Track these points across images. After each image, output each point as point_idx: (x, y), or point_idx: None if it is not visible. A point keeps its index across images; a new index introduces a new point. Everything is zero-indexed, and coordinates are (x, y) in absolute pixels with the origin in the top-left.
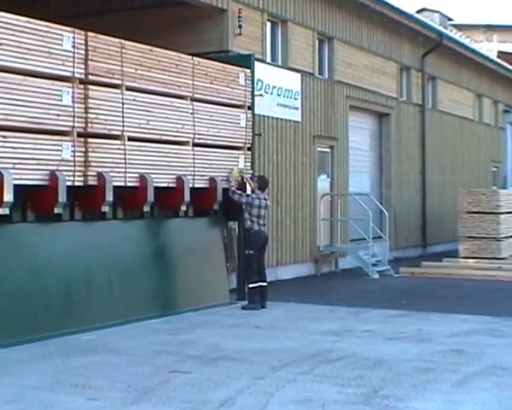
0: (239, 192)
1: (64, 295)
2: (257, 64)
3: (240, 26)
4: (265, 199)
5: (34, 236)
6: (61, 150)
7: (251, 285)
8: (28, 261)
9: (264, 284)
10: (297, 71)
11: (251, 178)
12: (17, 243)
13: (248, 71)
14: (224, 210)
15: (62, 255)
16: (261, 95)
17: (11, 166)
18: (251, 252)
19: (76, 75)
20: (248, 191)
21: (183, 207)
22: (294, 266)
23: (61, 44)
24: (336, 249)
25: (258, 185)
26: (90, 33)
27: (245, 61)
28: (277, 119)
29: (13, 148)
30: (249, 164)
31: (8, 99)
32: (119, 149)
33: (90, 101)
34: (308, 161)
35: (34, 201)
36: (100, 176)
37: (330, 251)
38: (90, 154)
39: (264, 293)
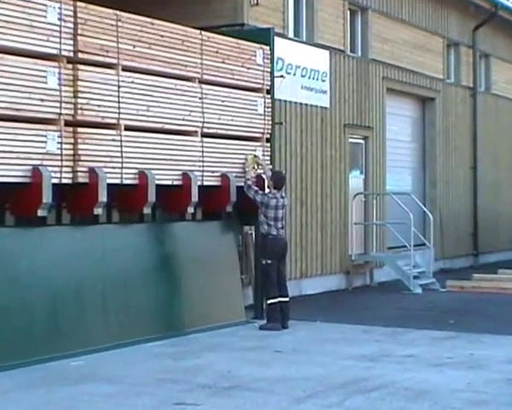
0: (255, 188)
1: (49, 314)
2: (277, 40)
3: None
4: (282, 197)
5: (13, 243)
6: (45, 142)
7: (270, 301)
8: (6, 273)
9: (286, 299)
10: (325, 48)
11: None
12: None
13: (267, 48)
14: (239, 212)
15: (47, 266)
16: (282, 76)
17: None
18: (269, 262)
19: (63, 53)
20: (266, 191)
21: (190, 209)
22: (322, 278)
23: (45, 16)
24: (371, 259)
25: (274, 183)
26: (79, 3)
27: (263, 37)
28: (301, 104)
29: None
30: (268, 158)
31: None
32: (114, 140)
33: (79, 83)
34: (338, 154)
35: (14, 201)
36: (91, 172)
37: (364, 261)
38: (80, 146)
39: (286, 310)
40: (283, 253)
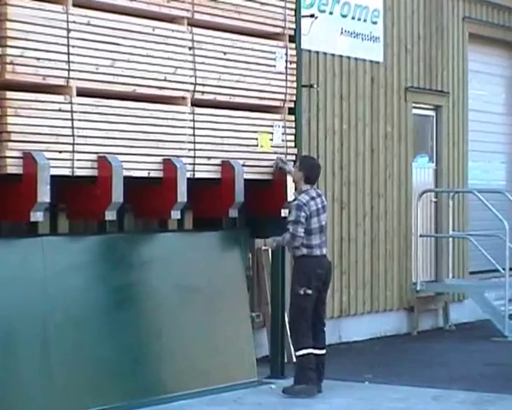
0: (300, 232)
1: None
2: None
3: None
4: (319, 195)
5: None
6: None
7: (302, 352)
8: None
9: (322, 352)
10: None
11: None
12: None
13: None
14: (249, 218)
15: None
16: (313, 15)
17: None
18: (308, 292)
19: None
20: (291, 191)
21: (175, 214)
22: (371, 318)
23: None
24: (446, 289)
25: (305, 175)
26: None
27: None
28: (342, 57)
29: None
30: (291, 138)
31: None
32: (61, 110)
33: (8, 25)
34: (396, 132)
35: None
36: (27, 158)
37: (435, 292)
38: (10, 119)
39: (321, 367)
40: (326, 279)
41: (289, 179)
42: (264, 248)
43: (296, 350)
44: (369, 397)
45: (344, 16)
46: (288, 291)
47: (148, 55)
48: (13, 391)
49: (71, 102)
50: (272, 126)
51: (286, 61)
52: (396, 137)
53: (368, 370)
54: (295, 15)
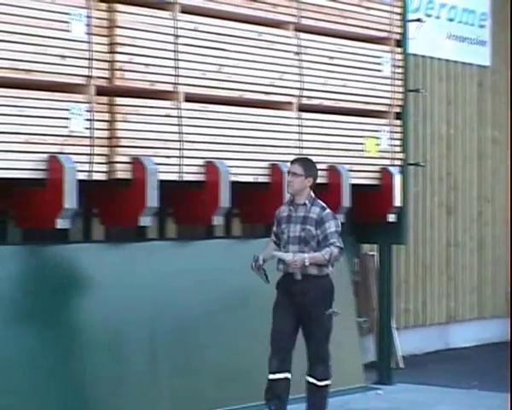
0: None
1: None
2: None
3: None
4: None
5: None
6: (67, 118)
7: (328, 382)
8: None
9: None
10: None
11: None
12: None
13: None
14: (354, 223)
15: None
16: (419, 19)
17: None
18: (338, 312)
19: None
20: (399, 196)
21: None
22: (479, 324)
23: None
24: None
25: (313, 181)
26: None
27: None
28: (449, 62)
29: None
30: (398, 142)
31: None
32: (168, 115)
33: (117, 31)
34: (504, 136)
35: (18, 206)
36: (136, 164)
37: None
38: (120, 125)
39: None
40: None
41: (397, 184)
42: (370, 253)
43: (324, 380)
44: (476, 405)
45: (451, 20)
46: (394, 296)
47: (254, 61)
48: (122, 396)
49: (178, 108)
50: (379, 131)
51: (392, 66)
52: (504, 142)
53: (475, 377)
54: (402, 20)
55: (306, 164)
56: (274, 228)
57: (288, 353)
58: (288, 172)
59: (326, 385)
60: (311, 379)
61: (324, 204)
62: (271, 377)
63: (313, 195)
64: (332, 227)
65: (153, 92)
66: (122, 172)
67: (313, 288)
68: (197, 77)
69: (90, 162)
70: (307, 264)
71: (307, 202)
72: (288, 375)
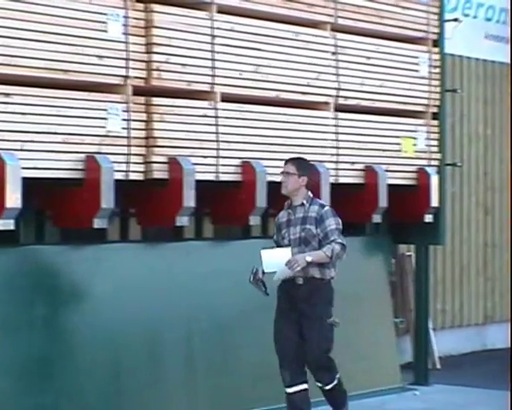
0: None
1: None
2: None
3: None
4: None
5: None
6: (104, 118)
7: (336, 382)
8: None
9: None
10: None
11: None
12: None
13: None
14: (391, 224)
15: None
16: (457, 19)
17: (18, 147)
18: (338, 321)
19: None
20: (436, 196)
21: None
22: None
23: None
24: None
25: (308, 180)
26: None
27: None
28: (486, 62)
29: (22, 114)
30: (435, 143)
31: None
32: (204, 115)
33: (154, 31)
34: None
35: (56, 206)
36: (173, 164)
37: None
38: (157, 125)
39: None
40: None
41: (434, 184)
42: (407, 253)
43: (331, 383)
44: None
45: (488, 20)
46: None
47: (290, 61)
48: (159, 397)
49: (215, 108)
50: (415, 131)
51: (429, 66)
52: None
53: None
54: (439, 20)
55: (299, 163)
56: (274, 236)
57: (298, 362)
58: (282, 173)
59: (335, 385)
60: (319, 384)
61: (324, 202)
62: (288, 390)
63: (311, 194)
64: (332, 224)
65: (189, 92)
66: (159, 172)
67: (315, 295)
68: (234, 77)
69: (127, 162)
70: (309, 260)
71: (305, 201)
72: (304, 386)
